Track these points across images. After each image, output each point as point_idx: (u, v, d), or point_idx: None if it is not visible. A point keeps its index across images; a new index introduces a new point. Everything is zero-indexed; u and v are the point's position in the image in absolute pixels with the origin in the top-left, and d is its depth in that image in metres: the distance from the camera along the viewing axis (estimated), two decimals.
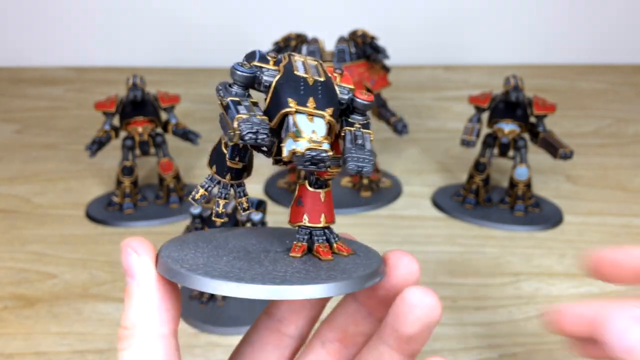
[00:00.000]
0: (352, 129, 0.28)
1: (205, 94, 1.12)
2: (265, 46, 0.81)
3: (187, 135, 0.74)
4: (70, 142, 0.93)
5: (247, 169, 0.31)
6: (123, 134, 0.74)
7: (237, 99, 0.28)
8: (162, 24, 1.26)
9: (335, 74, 0.29)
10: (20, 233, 0.69)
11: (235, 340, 0.55)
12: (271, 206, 0.74)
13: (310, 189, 0.30)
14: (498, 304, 0.58)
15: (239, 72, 0.28)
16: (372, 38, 0.77)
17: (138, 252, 0.28)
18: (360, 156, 0.27)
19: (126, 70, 1.16)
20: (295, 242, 0.30)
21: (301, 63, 0.29)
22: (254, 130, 0.26)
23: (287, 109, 0.27)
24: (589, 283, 0.61)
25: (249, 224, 0.57)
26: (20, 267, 0.63)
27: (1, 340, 0.53)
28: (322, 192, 0.30)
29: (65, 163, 0.86)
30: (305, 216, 0.30)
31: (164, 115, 0.75)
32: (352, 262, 0.29)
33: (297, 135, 0.26)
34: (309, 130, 0.26)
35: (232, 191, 0.32)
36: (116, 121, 0.74)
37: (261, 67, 0.28)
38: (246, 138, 0.26)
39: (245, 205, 0.31)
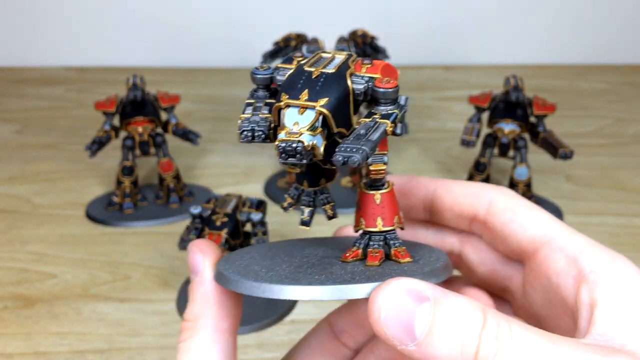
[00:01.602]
0: (366, 120, 0.26)
1: (205, 94, 1.12)
2: (265, 46, 0.81)
3: (187, 135, 0.74)
4: (70, 142, 0.93)
5: (323, 175, 0.30)
6: (123, 134, 0.74)
7: (252, 100, 0.28)
8: (162, 24, 1.26)
9: (363, 65, 0.28)
10: (20, 233, 0.69)
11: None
12: (271, 206, 0.74)
13: (365, 191, 0.29)
14: None
15: (256, 75, 0.28)
16: (372, 38, 0.77)
17: (203, 252, 0.29)
18: (351, 146, 0.25)
19: (126, 70, 1.16)
20: (350, 247, 0.29)
21: (324, 58, 0.28)
22: (249, 128, 0.26)
23: (278, 103, 0.26)
24: None
25: (248, 224, 0.57)
26: (20, 267, 0.63)
27: (1, 340, 0.53)
28: (377, 194, 0.29)
29: (65, 163, 0.86)
30: (362, 220, 0.29)
31: (164, 115, 0.75)
32: (397, 267, 0.28)
33: (281, 128, 0.26)
34: (292, 122, 0.25)
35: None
36: (116, 121, 0.74)
37: (279, 68, 0.28)
38: (242, 136, 0.26)
39: (330, 213, 0.30)
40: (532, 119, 0.72)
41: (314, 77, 0.26)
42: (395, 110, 0.27)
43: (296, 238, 0.34)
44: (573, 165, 0.84)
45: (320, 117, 0.26)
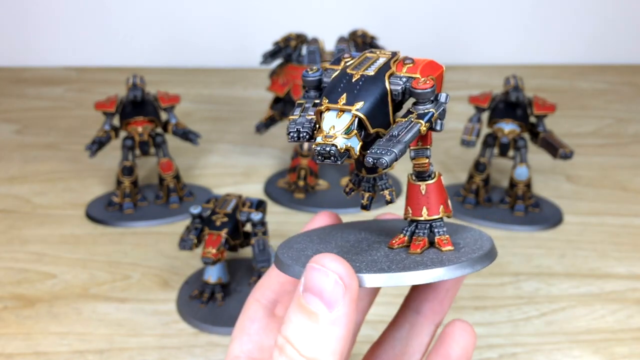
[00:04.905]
0: (402, 119, 0.28)
1: (205, 94, 1.12)
2: (265, 46, 0.81)
3: (187, 135, 0.74)
4: (70, 142, 0.93)
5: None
6: (123, 134, 0.74)
7: (302, 101, 0.30)
8: (162, 24, 1.26)
9: (404, 64, 0.29)
10: (20, 233, 0.69)
11: None
12: (271, 206, 0.74)
13: (412, 182, 0.31)
14: (498, 304, 0.58)
15: (306, 78, 0.30)
16: (372, 38, 0.77)
17: (346, 285, 0.25)
18: (382, 148, 0.26)
19: (126, 70, 1.16)
20: (397, 234, 0.31)
21: (369, 59, 0.29)
22: (294, 130, 0.28)
23: (319, 107, 0.28)
24: (589, 283, 0.61)
25: (248, 224, 0.57)
26: (20, 267, 0.63)
27: (1, 340, 0.53)
28: (422, 185, 0.31)
29: (65, 163, 0.86)
30: (409, 209, 0.31)
31: (164, 115, 0.75)
32: (436, 256, 0.29)
33: (319, 131, 0.27)
34: (329, 126, 0.27)
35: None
36: (116, 121, 0.74)
37: (327, 70, 0.30)
38: (289, 137, 0.28)
39: (387, 198, 0.31)
40: (532, 119, 0.72)
41: (354, 80, 0.28)
42: (431, 110, 0.28)
43: (349, 222, 0.35)
44: (573, 165, 0.84)
45: (356, 120, 0.27)
